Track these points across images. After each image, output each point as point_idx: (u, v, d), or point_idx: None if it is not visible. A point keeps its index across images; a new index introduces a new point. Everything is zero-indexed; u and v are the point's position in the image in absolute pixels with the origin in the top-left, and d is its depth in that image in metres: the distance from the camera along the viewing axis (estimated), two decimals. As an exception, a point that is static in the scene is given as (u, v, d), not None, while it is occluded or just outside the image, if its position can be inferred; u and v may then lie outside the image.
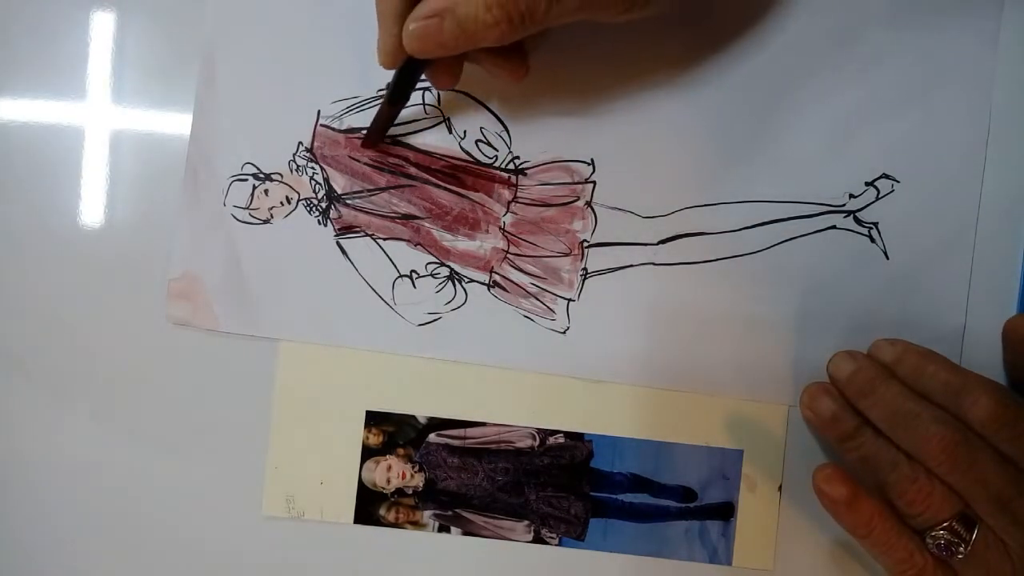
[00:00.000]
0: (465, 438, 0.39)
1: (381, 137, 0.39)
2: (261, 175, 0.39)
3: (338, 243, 0.39)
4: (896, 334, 0.37)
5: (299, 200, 0.39)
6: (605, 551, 0.39)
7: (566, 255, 0.39)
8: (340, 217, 0.39)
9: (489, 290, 0.39)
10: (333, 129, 0.39)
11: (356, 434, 0.39)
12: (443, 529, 0.39)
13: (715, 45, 0.39)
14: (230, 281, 0.39)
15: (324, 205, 0.39)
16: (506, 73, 0.36)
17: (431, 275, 0.39)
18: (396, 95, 0.36)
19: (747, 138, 0.39)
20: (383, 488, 0.39)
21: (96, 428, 0.39)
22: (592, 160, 0.39)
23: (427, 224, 0.39)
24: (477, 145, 0.39)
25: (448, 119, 0.39)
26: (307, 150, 0.39)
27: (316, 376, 0.39)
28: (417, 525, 0.39)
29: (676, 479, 0.39)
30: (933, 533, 0.33)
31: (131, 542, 0.39)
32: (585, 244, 0.39)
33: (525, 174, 0.39)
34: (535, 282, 0.39)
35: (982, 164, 0.39)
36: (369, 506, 0.39)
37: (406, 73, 0.35)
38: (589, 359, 0.39)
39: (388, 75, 0.38)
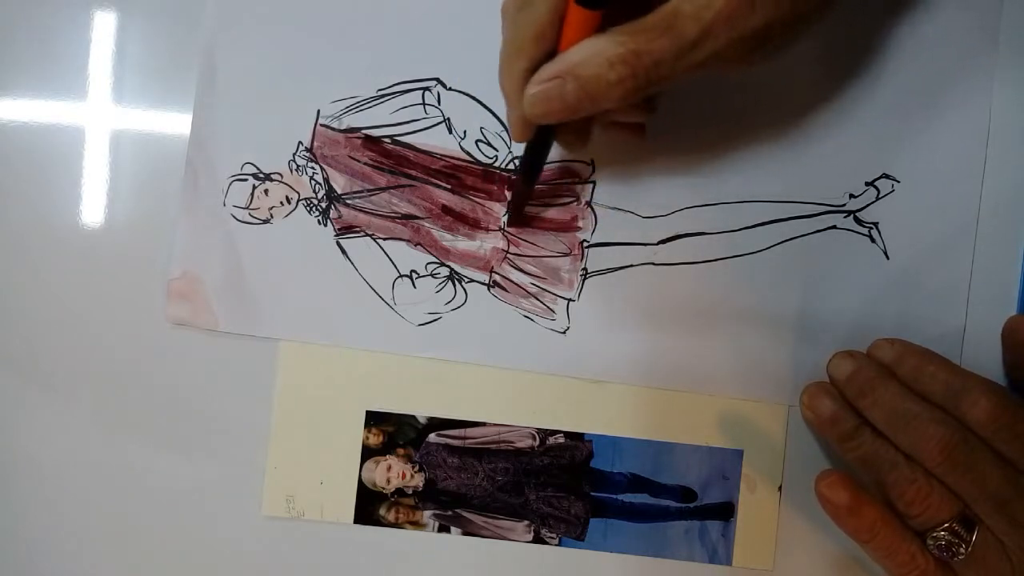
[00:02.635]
0: (465, 438, 0.39)
1: (522, 215, 0.38)
2: (261, 175, 0.39)
3: (338, 243, 0.39)
4: (896, 334, 0.37)
5: (299, 200, 0.39)
6: (605, 551, 0.39)
7: (566, 255, 0.39)
8: (340, 217, 0.39)
9: (489, 290, 0.39)
10: (333, 129, 0.39)
11: (356, 434, 0.39)
12: (443, 529, 0.39)
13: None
14: (230, 281, 0.39)
15: (324, 205, 0.39)
16: (626, 132, 0.36)
17: (431, 275, 0.39)
18: (529, 170, 0.36)
19: (747, 138, 0.39)
20: (383, 488, 0.39)
21: (96, 428, 0.39)
22: (592, 160, 0.39)
23: (427, 224, 0.39)
24: (477, 145, 0.39)
25: (448, 119, 0.39)
26: (307, 150, 0.39)
27: (316, 376, 0.39)
28: (417, 525, 0.39)
29: (676, 479, 0.39)
30: (934, 534, 0.33)
31: (131, 542, 0.39)
32: (585, 244, 0.39)
33: (525, 174, 0.39)
34: (535, 282, 0.39)
35: (982, 164, 0.39)
36: (369, 506, 0.39)
37: (536, 145, 0.34)
38: (589, 359, 0.39)
39: (387, 73, 0.39)
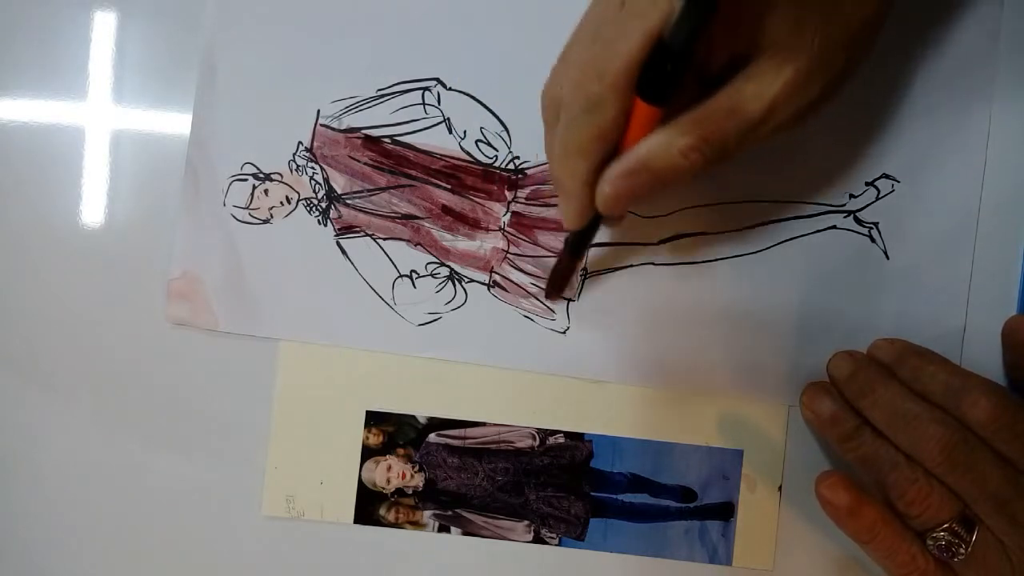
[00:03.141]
0: (465, 438, 0.39)
1: (563, 289, 0.39)
2: (261, 175, 0.39)
3: (338, 243, 0.39)
4: (896, 334, 0.37)
5: (299, 200, 0.39)
6: (605, 551, 0.39)
7: (566, 255, 0.39)
8: (340, 217, 0.39)
9: (489, 290, 0.39)
10: (333, 129, 0.39)
11: (356, 434, 0.39)
12: (443, 529, 0.39)
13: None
14: (230, 281, 0.39)
15: (324, 205, 0.39)
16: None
17: (431, 275, 0.39)
18: (581, 248, 0.37)
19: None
20: (383, 488, 0.39)
21: (96, 428, 0.39)
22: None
23: (427, 224, 0.39)
24: (477, 145, 0.39)
25: (448, 119, 0.39)
26: (307, 150, 0.39)
27: (316, 376, 0.39)
28: (417, 525, 0.39)
29: (676, 479, 0.39)
30: (934, 534, 0.33)
31: (131, 542, 0.39)
32: (585, 244, 0.39)
33: (525, 174, 0.39)
34: (535, 282, 0.39)
35: (982, 164, 0.39)
36: (369, 506, 0.39)
37: (591, 228, 0.35)
38: (589, 359, 0.39)
39: (387, 73, 0.39)
